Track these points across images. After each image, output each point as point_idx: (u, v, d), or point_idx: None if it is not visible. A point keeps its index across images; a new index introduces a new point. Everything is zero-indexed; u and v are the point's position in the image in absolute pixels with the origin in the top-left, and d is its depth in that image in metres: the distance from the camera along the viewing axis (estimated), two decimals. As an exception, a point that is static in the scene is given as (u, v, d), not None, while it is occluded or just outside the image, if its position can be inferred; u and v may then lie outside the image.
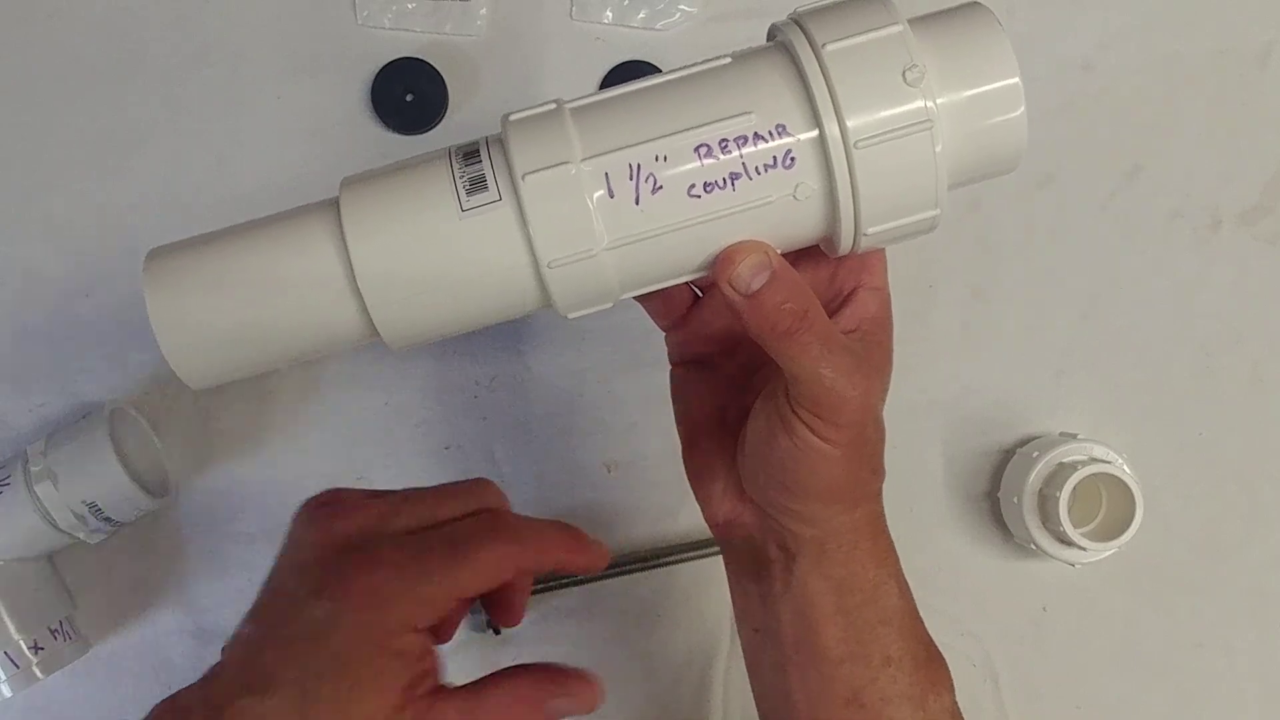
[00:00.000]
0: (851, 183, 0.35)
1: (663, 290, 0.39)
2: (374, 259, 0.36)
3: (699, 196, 0.35)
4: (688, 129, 0.35)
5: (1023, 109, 0.36)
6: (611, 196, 0.35)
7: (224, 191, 0.61)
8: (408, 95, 0.61)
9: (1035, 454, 0.60)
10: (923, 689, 0.42)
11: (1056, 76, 0.65)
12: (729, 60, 0.37)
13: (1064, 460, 0.60)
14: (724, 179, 0.35)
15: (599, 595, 0.62)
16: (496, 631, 0.59)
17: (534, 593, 0.61)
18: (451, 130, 0.62)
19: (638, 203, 0.35)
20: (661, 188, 0.35)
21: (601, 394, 0.62)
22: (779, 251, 0.38)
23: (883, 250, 0.41)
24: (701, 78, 0.37)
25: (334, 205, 0.38)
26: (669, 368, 0.47)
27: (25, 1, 0.60)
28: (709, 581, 0.62)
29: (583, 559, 0.40)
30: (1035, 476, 0.60)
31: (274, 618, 0.37)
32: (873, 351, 0.41)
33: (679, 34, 0.63)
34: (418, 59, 0.61)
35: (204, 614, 0.60)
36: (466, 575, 0.36)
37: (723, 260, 0.37)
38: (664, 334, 0.46)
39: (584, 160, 0.35)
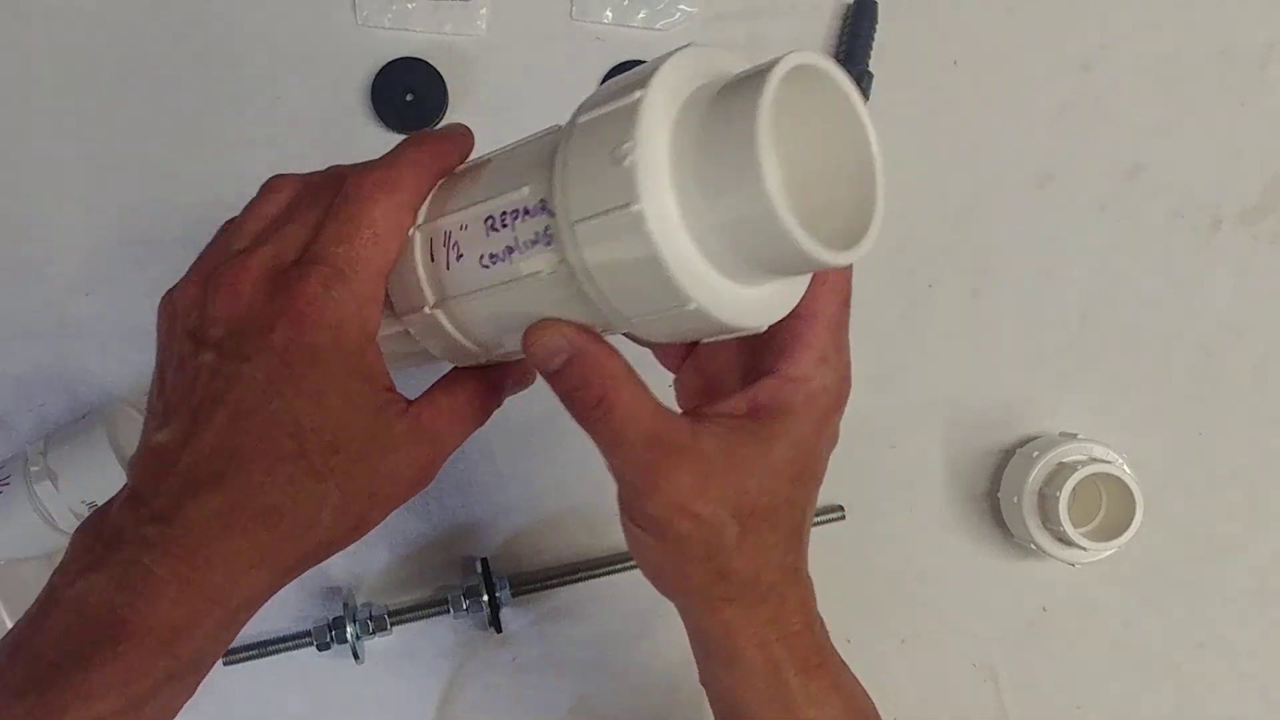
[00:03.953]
0: (585, 265, 0.32)
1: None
2: None
3: (488, 267, 0.35)
4: (482, 201, 0.35)
5: (781, 212, 0.29)
6: (432, 260, 0.37)
7: (224, 191, 0.61)
8: (408, 95, 0.61)
9: (1035, 454, 0.60)
10: None
11: (1056, 76, 0.65)
12: (552, 127, 0.36)
13: (1064, 460, 0.60)
14: (503, 251, 0.34)
15: (598, 595, 0.62)
16: (498, 630, 0.59)
17: (533, 592, 0.61)
18: (451, 130, 0.62)
19: (448, 268, 0.36)
20: (462, 255, 0.36)
21: (601, 394, 0.62)
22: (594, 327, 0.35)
23: (815, 341, 0.37)
24: (516, 150, 0.37)
25: None
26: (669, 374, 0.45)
27: (25, 1, 0.60)
28: (709, 581, 0.62)
29: (453, 145, 0.38)
30: (1035, 476, 0.60)
31: (193, 412, 0.35)
32: (746, 442, 0.36)
33: (679, 34, 0.63)
34: (418, 59, 0.61)
35: (204, 614, 0.60)
36: (367, 239, 0.36)
37: (524, 336, 0.36)
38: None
39: (418, 226, 0.37)
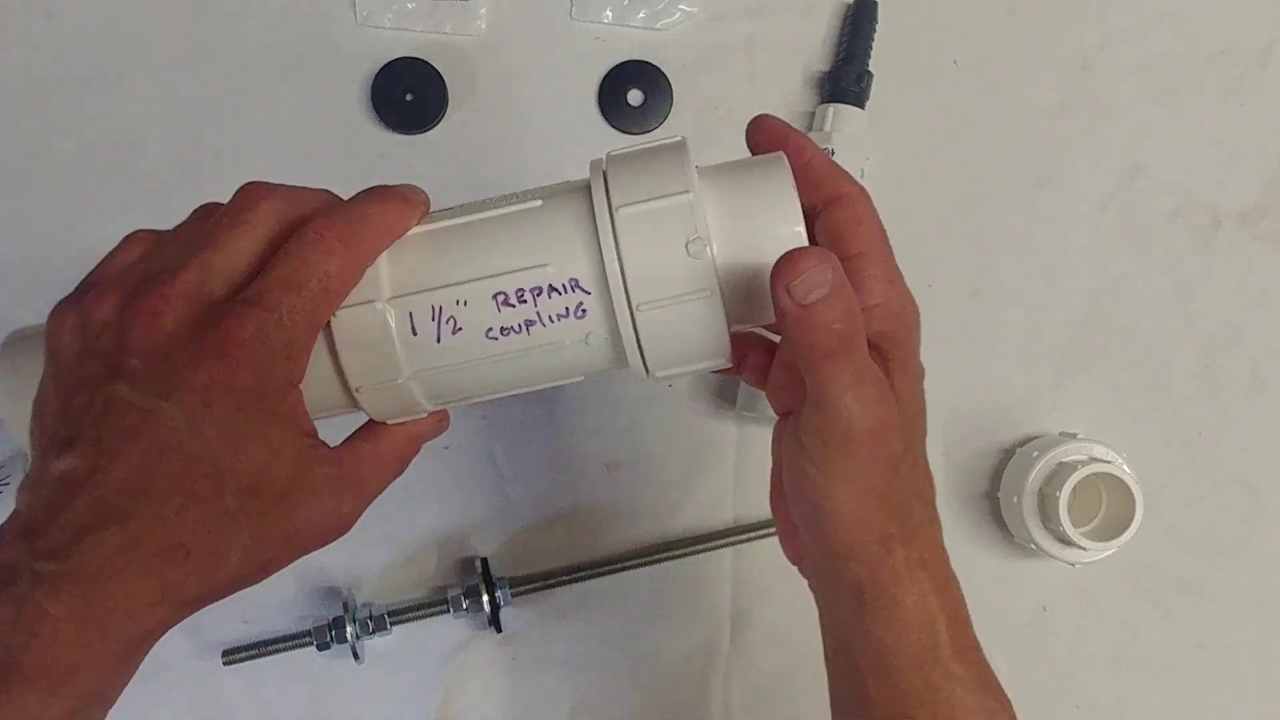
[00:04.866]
0: (636, 339, 0.37)
1: (735, 348, 0.39)
2: None
3: (496, 339, 0.37)
4: (488, 276, 0.37)
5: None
6: (414, 334, 0.37)
7: (224, 191, 0.61)
8: (408, 95, 0.61)
9: (1035, 454, 0.60)
10: None
11: (1056, 76, 0.65)
12: (539, 203, 0.38)
13: (1064, 460, 0.60)
14: (520, 324, 0.37)
15: (598, 594, 0.62)
16: (498, 630, 0.59)
17: (533, 592, 0.61)
18: (451, 130, 0.62)
19: (439, 341, 0.37)
20: (461, 329, 0.37)
21: (601, 394, 0.62)
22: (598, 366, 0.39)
23: (877, 270, 0.41)
24: (511, 220, 0.38)
25: None
26: None
27: (25, 1, 0.60)
28: (709, 580, 0.62)
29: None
30: (1035, 476, 0.60)
31: (99, 443, 0.34)
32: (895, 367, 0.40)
33: (679, 34, 0.63)
34: (418, 59, 0.61)
35: (201, 614, 0.60)
36: (316, 291, 0.35)
37: (784, 265, 0.34)
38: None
39: (390, 299, 0.37)
